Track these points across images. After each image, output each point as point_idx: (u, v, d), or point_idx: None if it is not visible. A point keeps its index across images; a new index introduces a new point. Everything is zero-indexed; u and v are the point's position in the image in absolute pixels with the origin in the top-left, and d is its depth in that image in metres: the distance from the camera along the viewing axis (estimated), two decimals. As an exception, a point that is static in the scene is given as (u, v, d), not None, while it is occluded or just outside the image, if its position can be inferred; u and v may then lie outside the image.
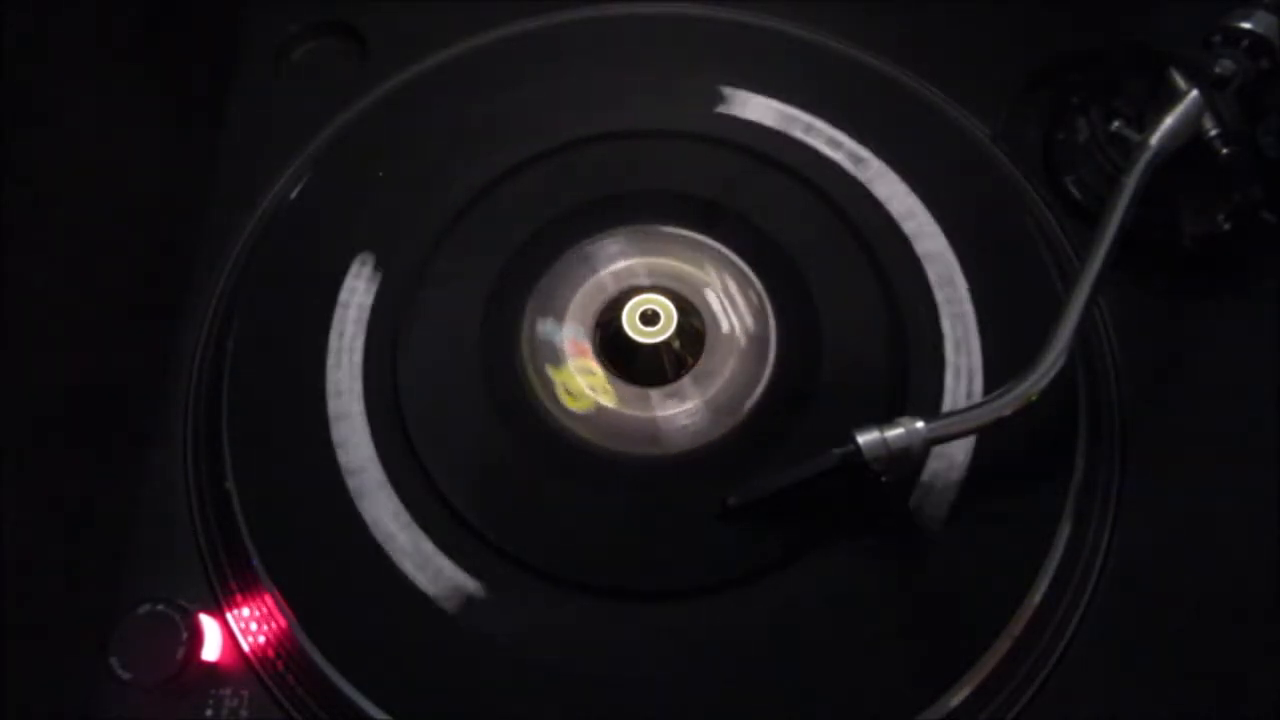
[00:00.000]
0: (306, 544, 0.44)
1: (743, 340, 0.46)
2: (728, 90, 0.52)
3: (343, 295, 0.47)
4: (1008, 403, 0.40)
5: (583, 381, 0.46)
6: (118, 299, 0.47)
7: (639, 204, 0.49)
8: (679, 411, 0.45)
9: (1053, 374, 0.40)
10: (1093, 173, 0.49)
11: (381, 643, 0.42)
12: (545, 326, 0.47)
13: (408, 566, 0.42)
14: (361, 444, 0.44)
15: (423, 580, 0.42)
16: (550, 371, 0.46)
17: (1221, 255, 0.48)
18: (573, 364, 0.46)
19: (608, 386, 0.46)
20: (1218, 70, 0.45)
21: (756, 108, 0.51)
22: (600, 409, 0.45)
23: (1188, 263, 0.48)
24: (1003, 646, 0.41)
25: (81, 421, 0.45)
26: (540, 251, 0.48)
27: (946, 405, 0.45)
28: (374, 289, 0.48)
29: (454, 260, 0.48)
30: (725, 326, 0.47)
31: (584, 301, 0.47)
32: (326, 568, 0.43)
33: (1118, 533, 0.44)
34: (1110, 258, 0.42)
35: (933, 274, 0.47)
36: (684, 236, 0.49)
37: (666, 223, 0.49)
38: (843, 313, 0.46)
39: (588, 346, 0.47)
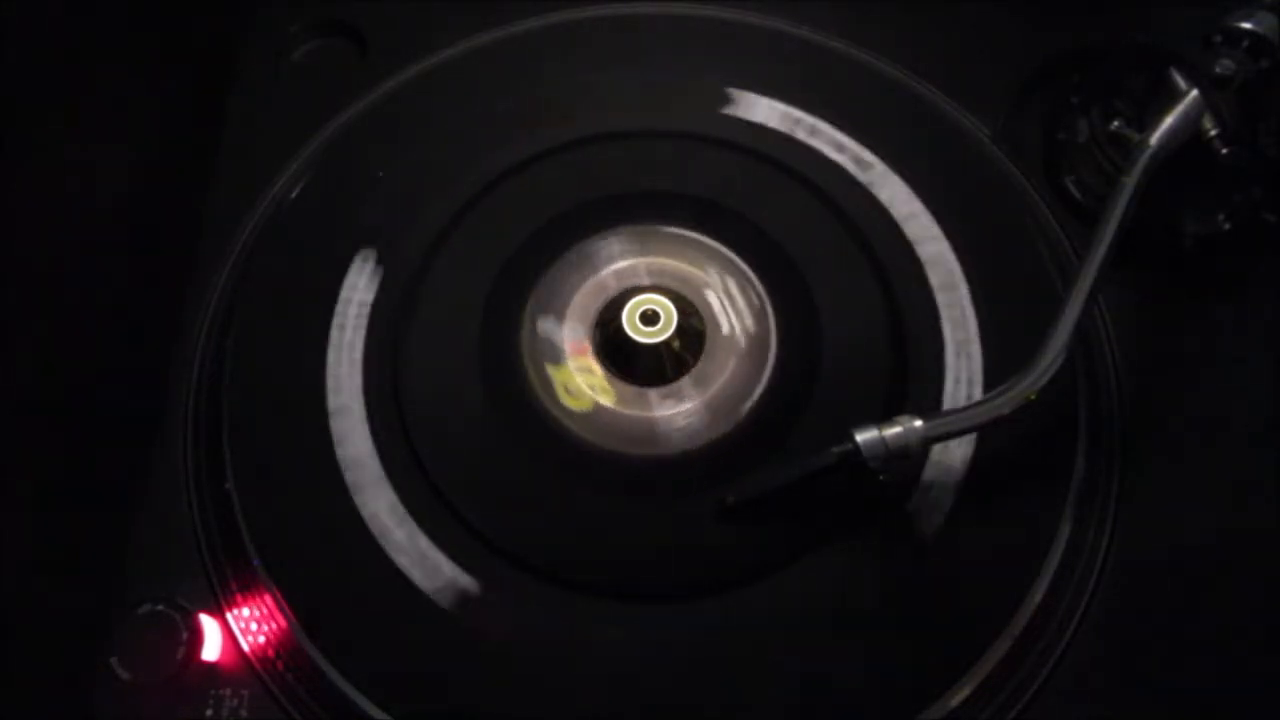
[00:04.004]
0: (306, 544, 0.44)
1: (743, 342, 0.46)
2: (732, 91, 0.52)
3: (343, 293, 0.47)
4: (1007, 401, 0.40)
5: (582, 381, 0.46)
6: (117, 299, 0.47)
7: (642, 204, 0.49)
8: (677, 412, 0.45)
9: (1052, 373, 0.40)
10: (1093, 173, 0.49)
11: (381, 643, 0.42)
12: (546, 324, 0.47)
13: (405, 564, 0.42)
14: (360, 440, 0.44)
15: (421, 579, 0.42)
16: (550, 370, 0.46)
17: (1221, 255, 0.48)
18: (572, 363, 0.46)
19: (607, 386, 0.46)
20: (1218, 70, 0.45)
21: (761, 109, 0.51)
22: (599, 408, 0.45)
23: (1188, 263, 0.48)
24: (1003, 646, 0.41)
25: (81, 421, 0.45)
26: (542, 249, 0.48)
27: (946, 405, 0.45)
28: (375, 286, 0.47)
29: (455, 257, 0.48)
30: (725, 328, 0.47)
31: (585, 300, 0.47)
32: (326, 568, 0.43)
33: (1118, 533, 0.44)
34: (1110, 257, 0.42)
35: (933, 274, 0.47)
36: (686, 237, 0.49)
37: (669, 223, 0.49)
38: (843, 313, 0.46)
39: (587, 345, 0.47)
